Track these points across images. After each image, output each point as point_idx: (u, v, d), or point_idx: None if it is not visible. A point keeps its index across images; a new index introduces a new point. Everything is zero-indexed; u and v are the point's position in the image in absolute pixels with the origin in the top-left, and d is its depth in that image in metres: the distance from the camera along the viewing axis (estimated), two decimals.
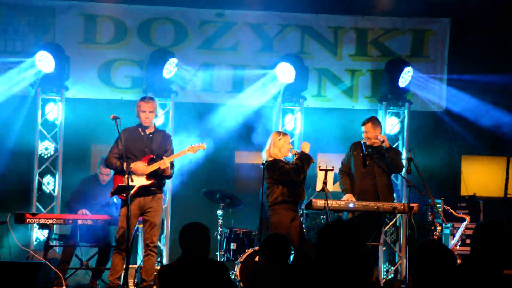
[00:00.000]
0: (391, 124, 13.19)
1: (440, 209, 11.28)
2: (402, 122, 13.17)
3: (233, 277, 10.54)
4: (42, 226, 10.75)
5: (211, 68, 13.09)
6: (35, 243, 12.09)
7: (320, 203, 10.08)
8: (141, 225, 10.97)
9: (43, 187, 12.41)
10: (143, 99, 10.00)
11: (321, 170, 10.14)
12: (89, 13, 12.84)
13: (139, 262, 11.64)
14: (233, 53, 13.16)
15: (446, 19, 13.30)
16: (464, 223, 11.20)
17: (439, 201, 11.67)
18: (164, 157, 9.77)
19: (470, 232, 11.72)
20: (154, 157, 9.83)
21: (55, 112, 12.55)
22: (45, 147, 12.48)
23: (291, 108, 13.15)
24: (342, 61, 13.34)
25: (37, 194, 12.27)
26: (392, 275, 12.76)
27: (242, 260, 10.74)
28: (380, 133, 10.93)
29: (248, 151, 13.09)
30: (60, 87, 12.40)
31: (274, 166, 9.97)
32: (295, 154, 10.06)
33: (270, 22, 13.23)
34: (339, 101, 13.28)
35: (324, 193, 10.03)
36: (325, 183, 10.02)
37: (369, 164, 10.72)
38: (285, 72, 12.65)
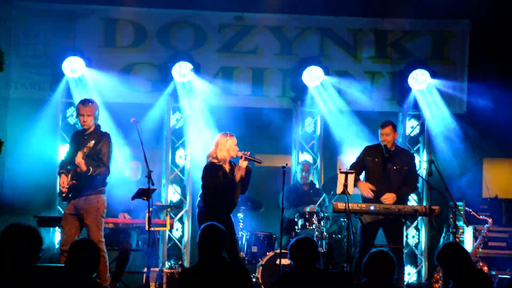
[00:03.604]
0: (411, 127, 13.17)
1: (462, 212, 11.22)
2: (422, 124, 13.12)
3: (254, 280, 10.53)
4: None
5: (231, 71, 13.11)
6: (57, 246, 12.10)
7: (341, 205, 10.05)
8: (161, 228, 11.06)
9: None
10: (78, 103, 9.87)
11: (341, 173, 10.09)
12: (109, 17, 12.89)
13: (160, 265, 11.68)
14: (253, 56, 13.17)
15: (466, 20, 13.25)
16: (486, 226, 11.17)
17: (460, 203, 11.60)
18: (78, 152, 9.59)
19: (492, 234, 11.73)
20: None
21: (75, 116, 12.56)
22: (66, 151, 12.48)
23: (311, 111, 13.16)
24: (361, 64, 13.31)
25: (59, 198, 12.28)
26: (415, 278, 12.71)
27: (263, 263, 10.75)
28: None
29: (268, 154, 13.07)
30: (80, 91, 12.43)
31: (204, 173, 9.73)
32: (241, 156, 9.75)
33: (289, 25, 13.23)
34: (359, 104, 13.23)
35: (345, 196, 10.01)
36: (345, 185, 9.98)
37: (389, 169, 10.64)
38: (312, 76, 12.65)
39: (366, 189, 10.45)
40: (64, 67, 12.17)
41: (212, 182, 9.56)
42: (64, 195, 9.74)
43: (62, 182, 9.72)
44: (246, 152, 9.72)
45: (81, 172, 9.55)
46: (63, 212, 12.05)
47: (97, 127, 9.86)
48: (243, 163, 9.65)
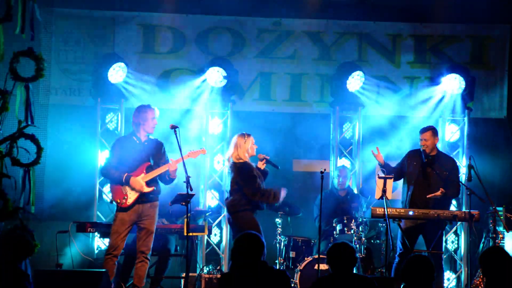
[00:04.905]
0: (451, 132, 13.08)
1: (501, 217, 11.11)
2: (462, 129, 13.03)
3: (292, 285, 10.52)
4: (103, 235, 10.83)
5: (269, 77, 13.13)
6: (96, 251, 12.19)
7: (379, 211, 10.03)
8: (199, 233, 11.06)
9: (104, 196, 12.48)
10: (151, 107, 9.98)
11: (380, 178, 10.09)
12: (148, 23, 12.96)
13: (198, 270, 11.70)
14: (291, 61, 13.19)
15: (507, 25, 13.16)
16: None
17: (500, 208, 11.49)
18: (171, 160, 9.74)
19: None
20: (152, 164, 9.80)
21: (115, 121, 12.67)
22: (106, 157, 12.55)
23: (349, 116, 13.13)
24: (400, 69, 13.27)
25: (98, 203, 12.37)
26: (454, 284, 12.61)
27: (301, 268, 10.74)
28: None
29: (306, 159, 13.09)
30: (120, 97, 12.51)
31: (247, 173, 9.82)
32: (263, 159, 9.96)
33: (327, 30, 13.23)
34: (398, 109, 13.17)
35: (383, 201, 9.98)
36: (384, 191, 9.96)
37: (428, 173, 10.61)
38: (355, 81, 12.65)
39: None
40: (108, 73, 12.22)
41: (256, 181, 9.73)
42: (131, 202, 9.59)
43: (137, 183, 9.61)
44: (267, 156, 9.99)
45: (169, 179, 9.80)
46: (102, 217, 12.19)
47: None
48: (262, 166, 9.96)
